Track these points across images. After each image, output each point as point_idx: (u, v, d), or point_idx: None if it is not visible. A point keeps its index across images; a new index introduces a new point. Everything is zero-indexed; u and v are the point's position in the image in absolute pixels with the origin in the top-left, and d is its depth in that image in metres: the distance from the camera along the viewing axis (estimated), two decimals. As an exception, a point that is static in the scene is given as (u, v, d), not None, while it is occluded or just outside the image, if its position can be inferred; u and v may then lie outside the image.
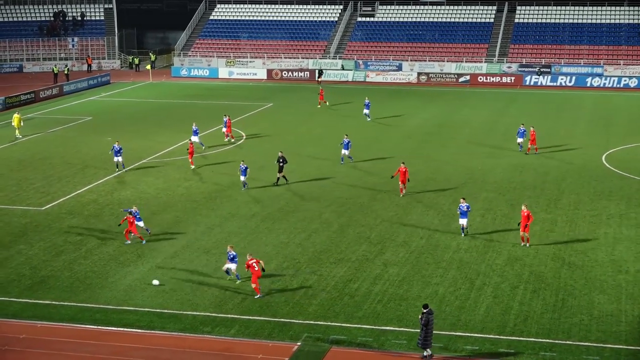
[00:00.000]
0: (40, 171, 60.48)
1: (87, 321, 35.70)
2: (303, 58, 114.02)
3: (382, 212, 50.63)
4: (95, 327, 35.20)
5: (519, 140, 65.85)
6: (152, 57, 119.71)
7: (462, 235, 45.73)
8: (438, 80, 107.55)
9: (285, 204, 52.20)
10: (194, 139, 66.04)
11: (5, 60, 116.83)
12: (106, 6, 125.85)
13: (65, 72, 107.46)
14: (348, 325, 35.14)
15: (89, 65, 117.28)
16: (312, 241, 45.59)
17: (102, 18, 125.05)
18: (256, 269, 38.39)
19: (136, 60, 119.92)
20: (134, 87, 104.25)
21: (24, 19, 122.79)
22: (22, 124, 72.66)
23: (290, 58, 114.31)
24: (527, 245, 44.16)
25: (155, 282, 39.72)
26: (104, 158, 63.64)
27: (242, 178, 55.24)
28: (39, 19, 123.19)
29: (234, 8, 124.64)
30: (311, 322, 35.51)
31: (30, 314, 36.46)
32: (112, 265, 42.11)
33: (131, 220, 44.72)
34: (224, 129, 70.63)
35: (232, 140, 70.10)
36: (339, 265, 42.03)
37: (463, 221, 45.77)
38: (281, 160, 56.50)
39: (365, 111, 79.99)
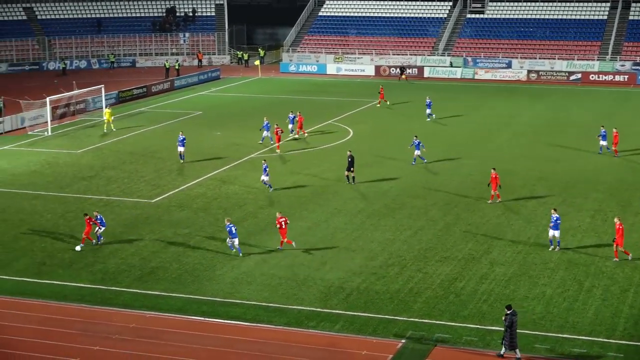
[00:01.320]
0: (150, 164, 61.66)
1: (194, 313, 36.22)
2: (411, 55, 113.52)
3: (489, 210, 50.11)
4: (203, 318, 35.69)
5: (602, 143, 64.17)
6: (261, 53, 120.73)
7: (551, 248, 43.35)
8: (548, 78, 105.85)
9: (391, 201, 52.08)
10: (265, 133, 67.72)
11: (119, 55, 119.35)
12: (217, 2, 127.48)
13: (176, 67, 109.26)
14: (453, 324, 34.91)
15: (200, 61, 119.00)
16: (417, 238, 45.42)
17: (213, 14, 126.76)
18: (283, 227, 43.04)
19: (245, 56, 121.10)
20: (243, 82, 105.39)
21: (138, 14, 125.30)
22: (112, 118, 75.04)
23: (399, 55, 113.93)
24: (616, 259, 41.64)
25: (78, 248, 43.49)
26: (213, 152, 64.62)
27: (262, 177, 54.65)
28: (151, 14, 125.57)
29: (343, 4, 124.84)
30: (416, 319, 35.38)
31: (140, 304, 37.21)
32: (219, 258, 42.63)
33: (90, 223, 44.26)
34: (290, 125, 71.12)
35: (305, 135, 70.49)
36: (445, 263, 41.79)
37: (554, 233, 43.49)
38: (350, 159, 55.98)
39: (428, 111, 78.74)
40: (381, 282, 39.39)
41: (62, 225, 47.79)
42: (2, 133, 72.99)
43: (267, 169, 54.57)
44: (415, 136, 62.04)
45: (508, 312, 31.92)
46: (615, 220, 42.41)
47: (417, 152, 60.97)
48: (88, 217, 44.49)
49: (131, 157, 63.82)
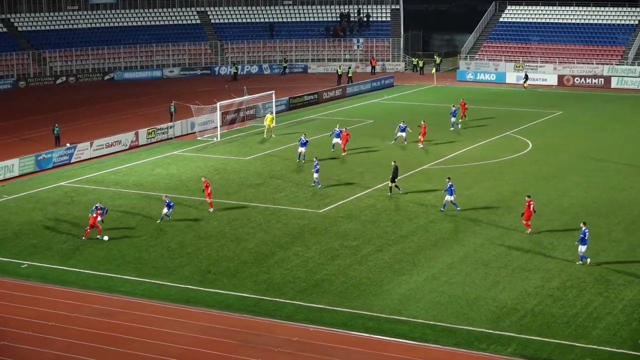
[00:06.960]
0: (319, 173, 60.55)
1: (359, 328, 35.39)
2: (597, 64, 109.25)
3: (679, 231, 47.06)
4: (367, 335, 34.83)
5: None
6: (437, 60, 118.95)
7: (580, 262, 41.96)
8: None
9: (570, 219, 49.30)
10: (335, 140, 67.50)
11: (291, 60, 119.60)
12: (393, 7, 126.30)
13: (349, 74, 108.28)
14: (636, 353, 32.65)
15: (373, 67, 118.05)
16: (598, 260, 42.83)
17: (389, 19, 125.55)
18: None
19: (420, 63, 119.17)
20: (417, 90, 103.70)
21: (311, 19, 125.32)
22: (274, 124, 75.19)
23: (584, 63, 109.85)
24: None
25: (105, 237, 45.25)
26: (384, 163, 63.00)
27: (315, 175, 56.77)
28: (325, 19, 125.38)
29: (525, 10, 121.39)
30: (594, 346, 33.50)
31: (303, 316, 36.60)
32: (387, 272, 41.45)
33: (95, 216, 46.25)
34: (402, 134, 69.83)
35: (421, 146, 69.31)
36: (629, 287, 39.31)
37: (581, 248, 42.20)
38: (394, 170, 54.44)
39: (452, 119, 77.04)
40: (558, 305, 37.39)
41: (227, 233, 47.51)
42: (172, 138, 73.76)
43: (318, 166, 56.51)
44: (449, 178, 52.08)
45: None
46: None
47: (448, 198, 51.12)
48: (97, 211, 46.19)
49: (299, 166, 63.13)
